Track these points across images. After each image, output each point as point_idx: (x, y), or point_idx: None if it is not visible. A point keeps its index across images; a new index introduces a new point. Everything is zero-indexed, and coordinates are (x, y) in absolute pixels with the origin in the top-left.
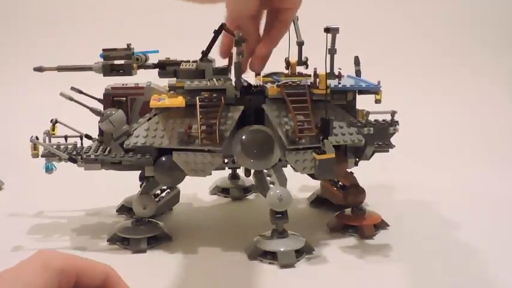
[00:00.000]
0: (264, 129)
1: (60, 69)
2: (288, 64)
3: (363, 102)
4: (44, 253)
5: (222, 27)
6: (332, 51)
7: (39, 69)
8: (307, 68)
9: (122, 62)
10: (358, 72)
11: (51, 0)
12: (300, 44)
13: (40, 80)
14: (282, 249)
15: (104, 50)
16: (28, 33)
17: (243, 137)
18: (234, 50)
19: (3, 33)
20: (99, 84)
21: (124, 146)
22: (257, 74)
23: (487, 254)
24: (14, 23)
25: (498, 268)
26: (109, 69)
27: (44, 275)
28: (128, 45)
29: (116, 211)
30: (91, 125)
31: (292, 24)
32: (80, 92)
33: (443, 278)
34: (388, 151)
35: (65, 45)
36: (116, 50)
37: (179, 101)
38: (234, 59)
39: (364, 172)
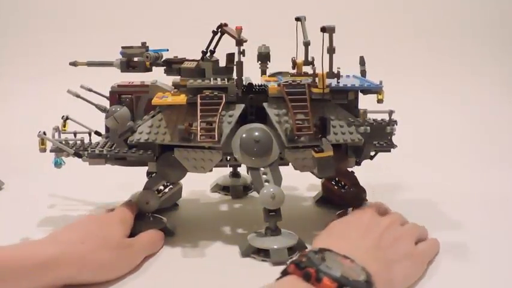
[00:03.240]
0: (263, 128)
1: (90, 64)
2: (294, 64)
3: (366, 102)
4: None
5: (221, 27)
6: (330, 51)
7: (73, 63)
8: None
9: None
10: (363, 72)
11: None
12: (306, 44)
13: (40, 81)
14: (274, 247)
15: (122, 47)
16: (28, 33)
17: (243, 135)
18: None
19: (5, 33)
20: (100, 82)
21: (128, 142)
22: (263, 73)
23: (488, 254)
24: (15, 23)
25: (499, 268)
26: (126, 66)
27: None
28: (143, 43)
29: None
30: (101, 122)
31: (299, 24)
32: (90, 90)
33: (443, 277)
34: (390, 151)
35: (66, 45)
36: (132, 48)
37: (180, 99)
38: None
39: (365, 172)
